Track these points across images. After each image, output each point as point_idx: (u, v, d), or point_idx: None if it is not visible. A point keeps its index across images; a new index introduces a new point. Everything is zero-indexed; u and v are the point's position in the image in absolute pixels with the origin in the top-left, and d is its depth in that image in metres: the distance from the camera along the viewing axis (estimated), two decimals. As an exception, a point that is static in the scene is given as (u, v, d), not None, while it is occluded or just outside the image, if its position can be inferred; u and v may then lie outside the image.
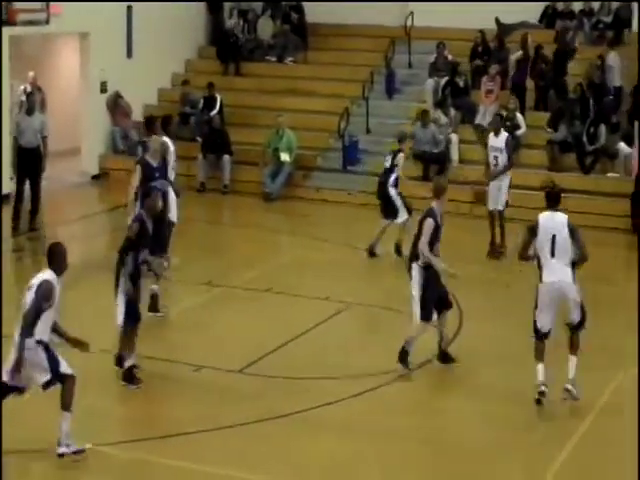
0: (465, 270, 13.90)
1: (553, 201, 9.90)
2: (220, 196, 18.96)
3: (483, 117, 19.44)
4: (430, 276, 10.58)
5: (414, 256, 10.70)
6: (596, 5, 21.17)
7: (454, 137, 19.18)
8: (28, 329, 8.33)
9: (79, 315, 11.06)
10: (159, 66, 21.77)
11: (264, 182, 18.85)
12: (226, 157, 19.35)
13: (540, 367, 9.89)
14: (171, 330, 12.02)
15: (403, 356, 10.78)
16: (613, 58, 19.32)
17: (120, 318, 10.25)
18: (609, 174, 18.10)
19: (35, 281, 8.48)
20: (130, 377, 10.30)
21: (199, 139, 19.76)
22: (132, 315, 10.20)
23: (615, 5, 20.93)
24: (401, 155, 15.16)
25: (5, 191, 17.20)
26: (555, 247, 9.69)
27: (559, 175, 17.98)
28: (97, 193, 19.82)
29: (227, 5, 23.22)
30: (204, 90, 20.56)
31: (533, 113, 19.48)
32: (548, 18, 21.49)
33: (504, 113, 18.67)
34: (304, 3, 22.97)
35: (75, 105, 20.86)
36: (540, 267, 9.82)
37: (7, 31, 17.91)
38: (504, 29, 21.17)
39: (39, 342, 8.41)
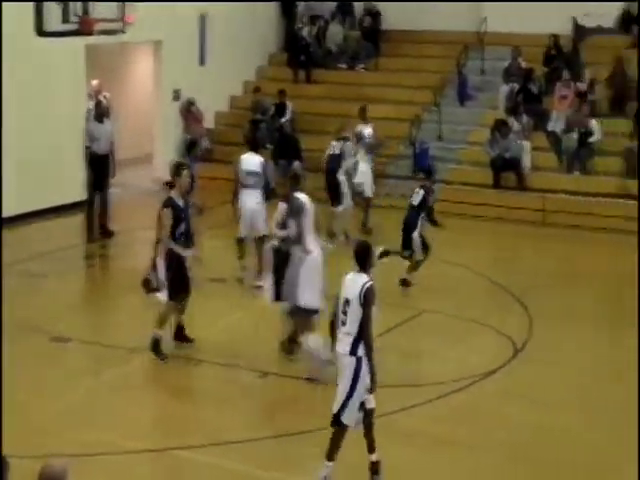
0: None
1: None
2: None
3: (556, 123, 19.18)
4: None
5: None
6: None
7: (527, 144, 18.96)
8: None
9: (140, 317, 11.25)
10: (231, 73, 21.97)
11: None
12: (296, 163, 19.37)
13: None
14: (236, 336, 12.05)
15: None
16: None
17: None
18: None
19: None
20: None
21: (269, 146, 19.82)
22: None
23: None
24: (349, 143, 16.01)
25: (77, 199, 17.42)
26: None
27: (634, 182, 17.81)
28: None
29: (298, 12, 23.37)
30: (275, 97, 20.65)
31: (609, 120, 19.11)
32: (624, 23, 21.16)
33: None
34: (381, 9, 22.98)
35: (149, 112, 21.12)
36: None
37: (83, 41, 18.18)
38: (580, 33, 20.88)
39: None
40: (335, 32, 23.06)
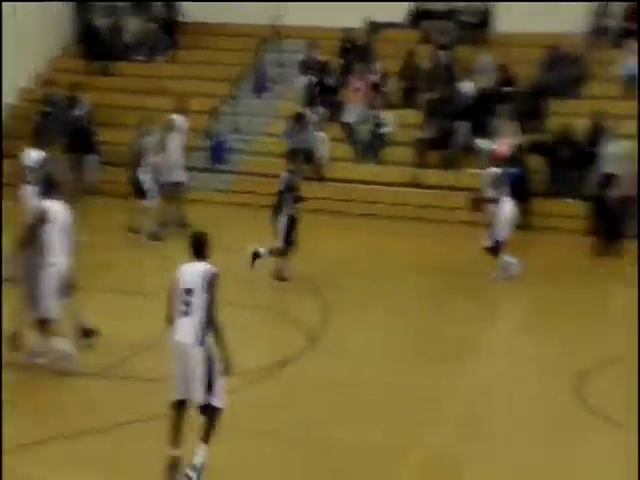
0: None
1: None
2: (86, 198, 18.46)
3: (350, 115, 19.51)
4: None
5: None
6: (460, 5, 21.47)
7: (323, 135, 19.21)
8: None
9: None
10: (20, 64, 21.20)
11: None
12: (92, 157, 18.95)
13: None
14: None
15: None
16: (487, 59, 19.66)
17: None
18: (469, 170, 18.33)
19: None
20: None
21: (58, 140, 19.14)
22: None
23: (478, 5, 21.29)
24: (149, 138, 15.74)
25: None
26: None
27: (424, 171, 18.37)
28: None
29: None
30: (69, 89, 20.10)
31: (400, 111, 19.61)
32: (414, 18, 21.74)
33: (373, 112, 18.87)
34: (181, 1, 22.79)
35: None
36: None
37: None
38: (373, 28, 21.33)
39: None
40: (132, 24, 22.70)
